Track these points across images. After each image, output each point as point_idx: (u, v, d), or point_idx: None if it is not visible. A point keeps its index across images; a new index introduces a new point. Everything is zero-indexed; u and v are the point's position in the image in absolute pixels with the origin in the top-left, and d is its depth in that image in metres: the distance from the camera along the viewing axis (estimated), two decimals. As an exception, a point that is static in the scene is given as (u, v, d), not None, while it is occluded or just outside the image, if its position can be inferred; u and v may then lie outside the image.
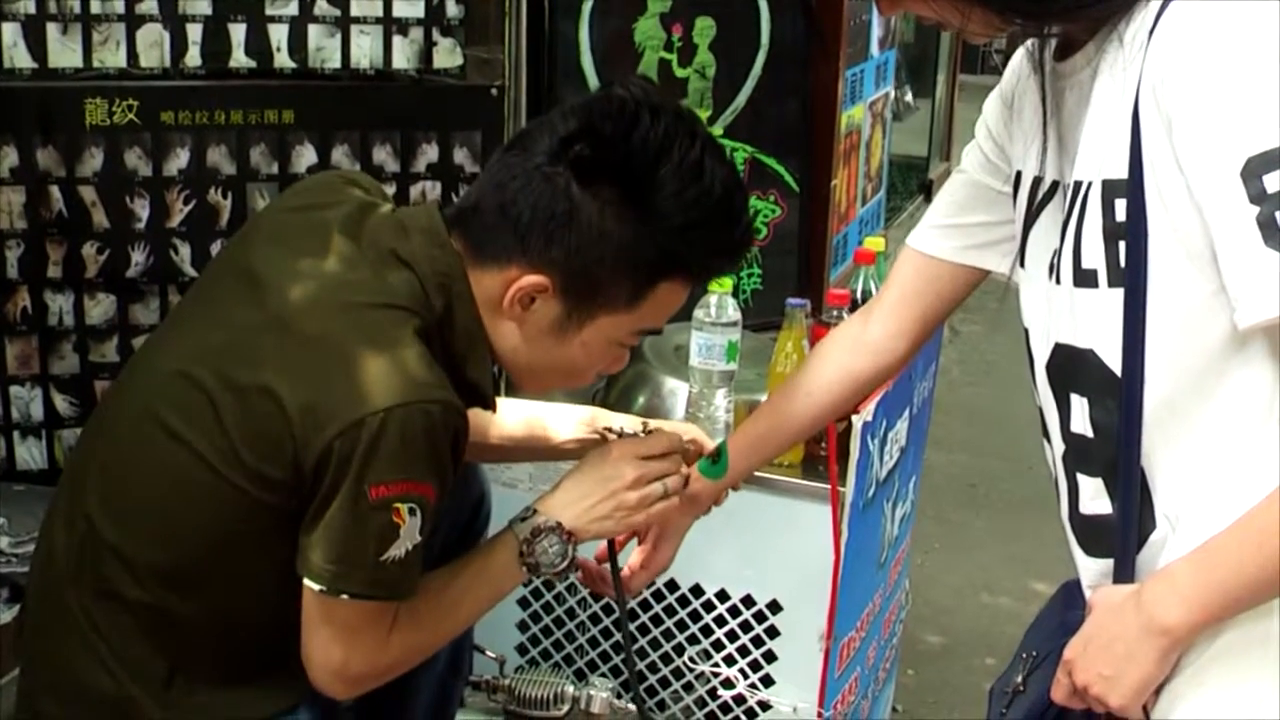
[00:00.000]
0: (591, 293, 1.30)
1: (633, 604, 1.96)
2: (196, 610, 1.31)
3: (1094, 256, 1.11)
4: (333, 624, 1.27)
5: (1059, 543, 1.24)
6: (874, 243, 2.16)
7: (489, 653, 1.92)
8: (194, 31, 2.01)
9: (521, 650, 2.07)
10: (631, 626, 1.97)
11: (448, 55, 2.15)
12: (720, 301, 1.94)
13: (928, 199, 1.53)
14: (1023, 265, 1.25)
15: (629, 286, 1.30)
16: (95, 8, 1.95)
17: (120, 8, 1.96)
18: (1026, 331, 1.24)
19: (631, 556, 1.56)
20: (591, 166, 1.26)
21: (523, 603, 2.06)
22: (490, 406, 1.39)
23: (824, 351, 1.52)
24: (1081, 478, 1.18)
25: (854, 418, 1.69)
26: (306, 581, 1.25)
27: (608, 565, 1.51)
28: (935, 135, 5.84)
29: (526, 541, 1.37)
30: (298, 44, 2.06)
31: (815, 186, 2.86)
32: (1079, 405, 1.16)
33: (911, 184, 5.49)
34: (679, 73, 2.59)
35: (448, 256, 1.31)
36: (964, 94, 5.79)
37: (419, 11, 2.10)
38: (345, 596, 1.25)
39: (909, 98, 5.57)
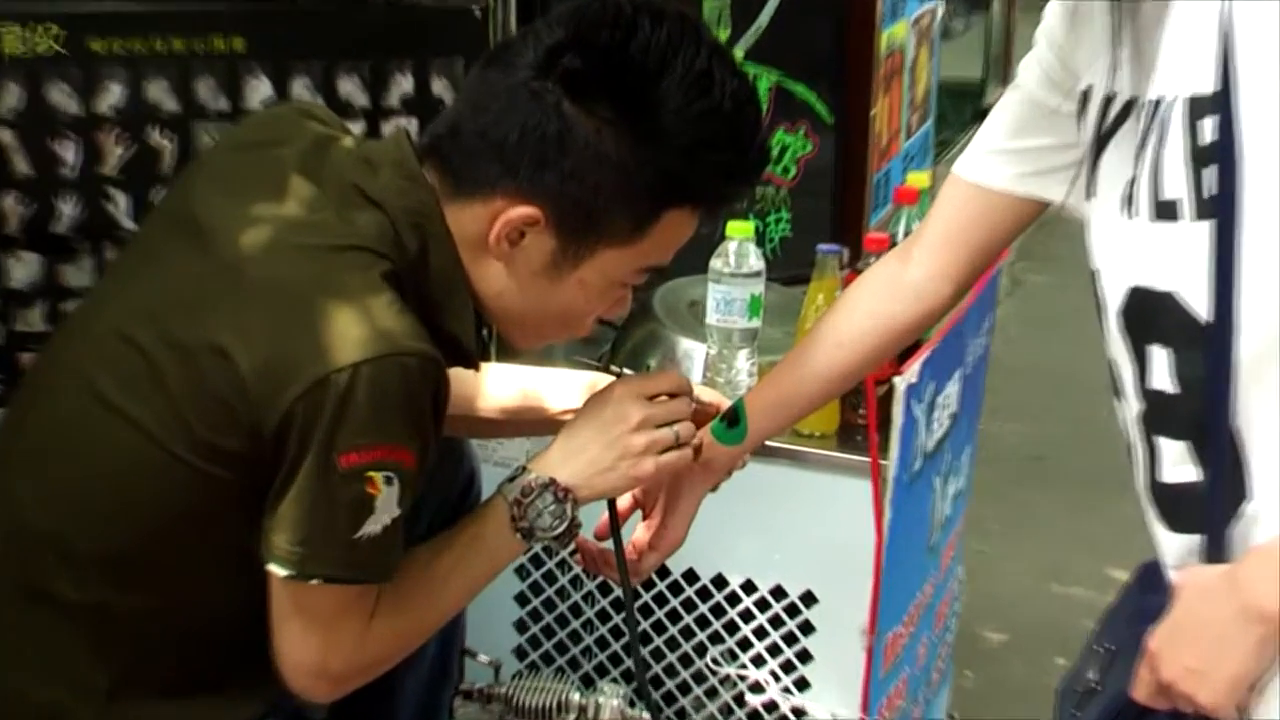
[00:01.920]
0: (589, 224, 1.30)
1: (645, 598, 1.96)
2: (144, 608, 1.31)
3: (1176, 185, 1.10)
4: (305, 614, 1.28)
5: (1139, 523, 1.23)
6: (917, 179, 2.15)
7: (482, 657, 1.92)
8: (127, -54, 2.00)
9: (519, 653, 2.08)
10: (644, 623, 1.97)
11: (423, -29, 2.13)
12: (741, 249, 1.93)
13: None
14: (1090, 197, 1.24)
15: (630, 216, 1.30)
16: (8, -82, 1.94)
17: (38, -82, 1.95)
18: (1096, 274, 1.23)
19: (636, 532, 1.56)
20: (584, 81, 1.26)
21: (520, 599, 2.07)
22: (473, 364, 1.39)
23: (856, 295, 1.51)
24: (1162, 441, 1.17)
25: (896, 379, 1.68)
26: (272, 567, 1.25)
27: (611, 543, 1.50)
28: (990, 56, 5.81)
29: (517, 503, 1.37)
30: (248, -41, 2.05)
31: (852, 117, 2.85)
32: (1159, 358, 1.15)
33: (964, 113, 5.47)
34: (692, -12, 2.57)
35: (420, 191, 1.31)
36: (1023, 7, 5.76)
37: (389, -79, 2.09)
38: (317, 581, 1.25)
39: (960, 14, 5.54)
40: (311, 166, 1.33)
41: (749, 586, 1.95)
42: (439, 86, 2.16)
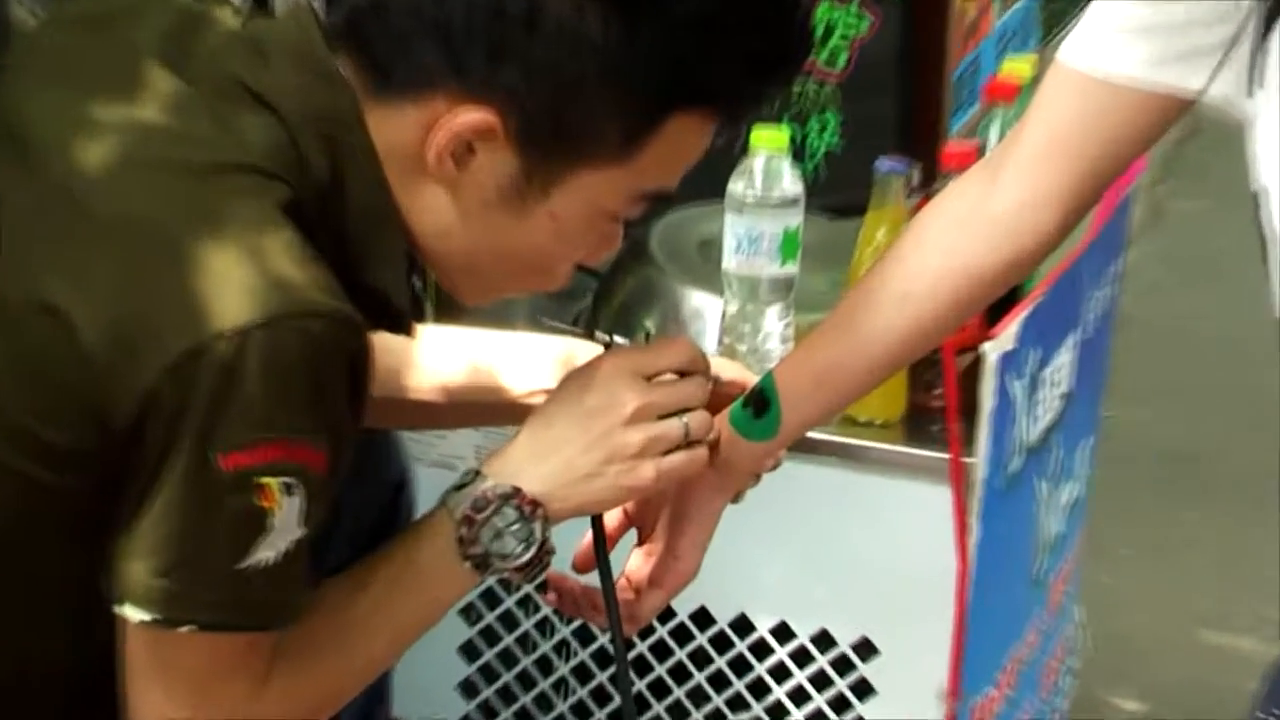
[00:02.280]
0: (564, 135, 1.31)
1: (641, 647, 1.98)
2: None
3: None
4: (172, 673, 1.29)
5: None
6: (1017, 68, 2.15)
7: (417, 730, 1.95)
8: None
9: (468, 726, 2.10)
10: (640, 683, 1.98)
11: None
12: (770, 167, 1.94)
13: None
14: (1255, 90, 1.25)
15: (621, 125, 1.31)
16: None
17: None
18: (1261, 196, 1.24)
19: (632, 562, 1.57)
20: None
21: (468, 651, 2.08)
22: (405, 328, 1.40)
23: (927, 230, 1.52)
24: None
25: (985, 346, 1.69)
26: (126, 610, 1.25)
27: (595, 576, 1.51)
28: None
29: (467, 520, 1.38)
30: None
31: (925, -17, 2.85)
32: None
33: (1082, -23, 5.47)
34: None
35: (333, 90, 1.31)
36: None
37: None
38: (189, 628, 1.26)
39: None
40: (176, 54, 1.33)
41: (783, 632, 1.97)
42: (352, -57, 2.16)
